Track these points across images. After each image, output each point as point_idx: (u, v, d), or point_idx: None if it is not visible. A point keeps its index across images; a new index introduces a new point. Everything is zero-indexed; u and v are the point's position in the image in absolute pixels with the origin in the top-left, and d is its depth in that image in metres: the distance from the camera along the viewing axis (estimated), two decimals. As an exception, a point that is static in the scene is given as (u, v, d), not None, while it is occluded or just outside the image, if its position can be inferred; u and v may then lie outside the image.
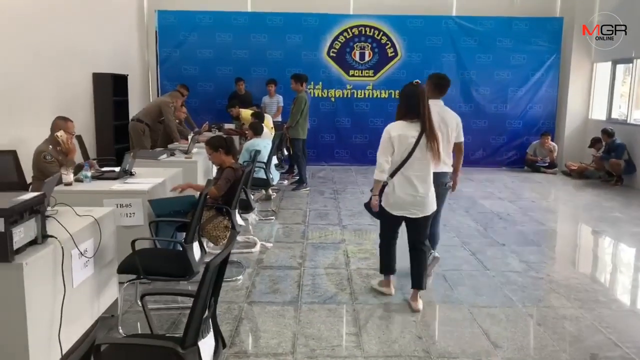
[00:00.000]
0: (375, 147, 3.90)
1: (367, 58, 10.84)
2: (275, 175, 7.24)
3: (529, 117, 11.04)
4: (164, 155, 6.15)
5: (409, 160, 3.73)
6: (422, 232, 3.91)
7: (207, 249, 3.99)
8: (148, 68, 10.92)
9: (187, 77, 10.41)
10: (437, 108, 4.27)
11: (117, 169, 4.72)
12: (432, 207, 3.86)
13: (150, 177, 4.54)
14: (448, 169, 4.37)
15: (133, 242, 3.31)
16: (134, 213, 4.02)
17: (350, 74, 10.87)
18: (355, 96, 10.87)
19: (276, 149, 7.56)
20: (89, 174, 4.33)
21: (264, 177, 6.67)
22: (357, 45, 10.80)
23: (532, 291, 4.33)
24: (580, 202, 8.17)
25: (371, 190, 3.94)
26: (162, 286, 3.70)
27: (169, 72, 10.69)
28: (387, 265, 4.14)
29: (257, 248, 5.28)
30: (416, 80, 3.83)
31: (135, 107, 9.33)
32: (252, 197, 5.72)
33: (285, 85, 9.96)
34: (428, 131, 3.71)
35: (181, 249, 3.40)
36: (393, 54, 10.80)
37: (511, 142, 11.14)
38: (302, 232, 5.99)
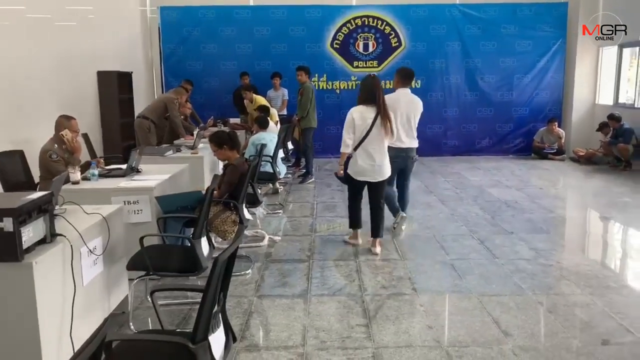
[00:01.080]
0: None
1: (371, 49, 10.78)
2: (281, 168, 7.24)
3: (535, 104, 10.96)
4: (170, 152, 6.16)
5: (368, 137, 4.78)
6: (380, 193, 5.02)
7: (215, 244, 4.00)
8: (152, 65, 10.93)
9: (192, 73, 10.39)
10: (407, 96, 5.41)
11: (123, 167, 4.73)
12: (387, 173, 4.95)
13: (157, 174, 4.55)
14: (415, 144, 5.51)
15: (141, 239, 3.31)
16: (141, 210, 4.02)
17: (355, 65, 10.82)
18: (360, 87, 10.80)
19: (282, 142, 7.55)
20: (96, 172, 4.33)
21: (271, 170, 6.66)
22: (360, 36, 10.74)
23: (542, 279, 4.31)
24: (588, 188, 8.11)
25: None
26: (171, 282, 3.72)
27: (174, 68, 10.68)
28: (355, 221, 5.20)
29: (266, 242, 5.29)
30: (372, 73, 5.09)
31: (140, 104, 9.35)
32: (259, 191, 5.72)
33: (290, 79, 9.93)
34: (382, 113, 4.75)
35: (189, 244, 3.41)
36: (397, 44, 10.74)
37: (518, 130, 11.07)
38: (310, 224, 5.99)
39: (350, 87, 10.82)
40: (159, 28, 10.65)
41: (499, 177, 8.85)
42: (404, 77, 5.48)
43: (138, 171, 4.66)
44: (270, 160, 6.65)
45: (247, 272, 4.47)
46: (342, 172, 4.97)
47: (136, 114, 8.32)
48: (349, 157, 4.92)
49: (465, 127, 11.07)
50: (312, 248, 5.14)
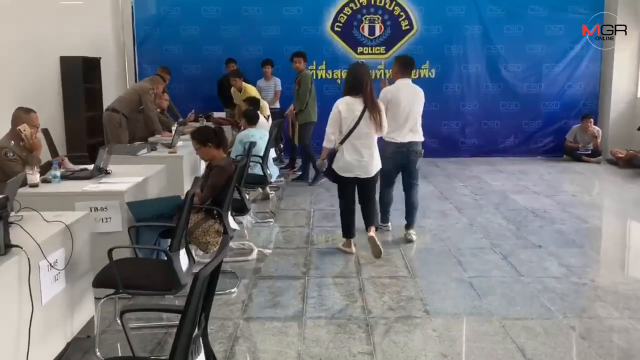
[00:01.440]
0: None
1: (377, 32, 10.82)
2: (273, 170, 7.25)
3: (567, 98, 11.01)
4: (144, 150, 6.17)
5: (355, 131, 5.07)
6: (370, 192, 5.36)
7: (195, 258, 4.00)
8: (124, 50, 10.92)
9: (169, 59, 10.41)
10: (409, 87, 5.66)
11: (90, 167, 4.73)
12: (375, 169, 5.25)
13: (129, 176, 4.55)
14: (420, 138, 5.68)
15: (110, 251, 3.32)
16: (110, 217, 4.03)
17: (359, 51, 10.85)
18: (364, 77, 10.82)
19: (274, 140, 7.56)
20: (58, 173, 4.34)
21: (261, 173, 6.67)
22: (365, 18, 10.78)
23: (574, 300, 4.32)
24: (628, 195, 8.13)
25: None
26: (144, 301, 3.71)
27: (148, 53, 10.71)
28: (349, 229, 5.42)
29: (254, 255, 5.29)
30: (361, 61, 5.49)
31: (109, 95, 9.34)
32: (247, 196, 5.73)
33: (283, 66, 9.96)
34: (370, 105, 5.03)
35: (166, 258, 3.41)
36: (408, 27, 10.78)
37: (547, 127, 11.12)
38: (306, 236, 6.00)
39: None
40: (131, 7, 10.68)
41: (525, 181, 8.87)
42: (403, 66, 5.71)
43: (107, 173, 4.66)
44: (260, 161, 6.66)
45: (233, 290, 4.46)
46: (323, 165, 5.34)
47: (105, 106, 8.32)
48: (334, 153, 5.23)
49: (486, 123, 11.11)
50: (308, 263, 5.14)
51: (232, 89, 9.18)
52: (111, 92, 9.72)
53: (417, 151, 5.66)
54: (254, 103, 7.94)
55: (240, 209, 5.26)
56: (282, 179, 8.72)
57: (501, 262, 5.15)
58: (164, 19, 10.68)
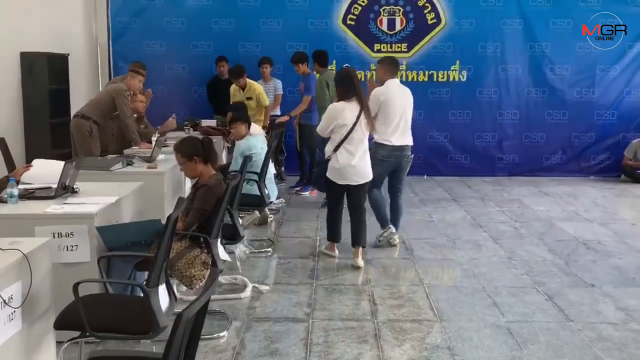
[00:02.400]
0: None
1: (398, 27, 10.89)
2: (272, 190, 7.25)
3: (626, 107, 11.03)
4: (119, 165, 6.18)
5: (349, 136, 5.81)
6: (361, 197, 6.12)
7: (178, 295, 4.00)
8: (96, 45, 11.02)
9: (151, 56, 10.48)
10: (400, 87, 6.51)
11: (54, 185, 4.74)
12: (369, 176, 6.02)
13: (100, 195, 4.56)
14: (411, 141, 6.48)
15: (76, 286, 3.31)
16: (76, 245, 4.03)
17: (376, 48, 10.91)
18: (382, 79, 10.87)
19: (273, 153, 7.57)
20: (16, 192, 4.35)
21: (257, 193, 6.68)
22: (384, 10, 10.87)
23: (634, 350, 4.28)
24: (700, 225, 8.08)
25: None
26: (115, 347, 3.71)
27: (126, 49, 10.78)
28: (335, 233, 6.25)
29: (248, 292, 5.27)
30: (346, 65, 6.71)
31: (79, 99, 9.40)
32: (241, 221, 5.72)
33: (284, 66, 10.03)
34: (365, 109, 5.84)
35: (142, 294, 3.41)
36: (434, 20, 10.84)
37: (602, 142, 11.11)
38: (311, 269, 5.99)
39: (369, 79, 10.88)
40: (107, -5, 10.78)
41: (575, 206, 8.84)
42: (391, 66, 6.53)
43: (74, 191, 4.66)
44: (257, 179, 6.67)
45: (222, 334, 4.45)
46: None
47: (73, 111, 8.37)
48: (327, 161, 6.01)
49: (528, 136, 11.11)
50: (313, 302, 5.13)
51: (232, 88, 9.27)
52: (81, 94, 9.78)
53: (408, 156, 6.47)
54: (239, 109, 7.89)
55: (232, 237, 5.25)
56: (282, 200, 8.73)
57: (546, 304, 5.11)
58: (145, 9, 10.77)
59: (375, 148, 6.29)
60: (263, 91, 9.40)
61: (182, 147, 4.76)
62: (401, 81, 10.51)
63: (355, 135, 5.84)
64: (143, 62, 9.62)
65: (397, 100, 6.31)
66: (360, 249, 6.08)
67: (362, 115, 5.84)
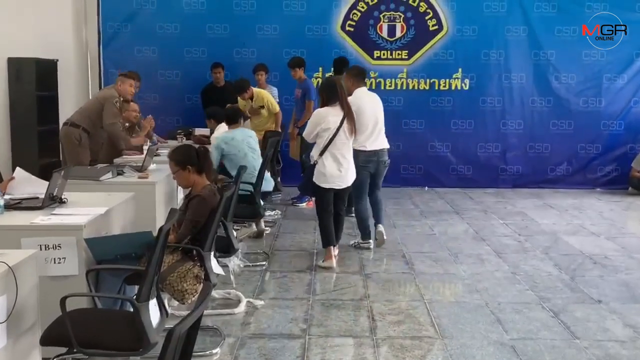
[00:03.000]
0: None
1: (399, 34, 10.91)
2: (267, 186, 7.29)
3: (633, 117, 11.06)
4: (109, 174, 6.17)
5: (334, 140, 6.26)
6: (344, 201, 6.71)
7: (169, 310, 3.98)
8: (86, 50, 11.02)
9: (142, 62, 10.50)
10: (370, 94, 7.01)
11: (41, 195, 4.74)
12: (352, 178, 6.51)
13: (89, 206, 4.55)
14: (387, 145, 6.97)
15: (63, 300, 3.30)
16: (64, 258, 4.01)
17: (376, 56, 10.94)
18: (382, 87, 10.89)
19: (269, 161, 7.57)
20: (1, 202, 4.34)
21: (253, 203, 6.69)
22: (384, 16, 10.89)
23: (644, 370, 4.27)
24: None
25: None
26: (104, 364, 3.68)
27: (116, 55, 10.78)
28: (329, 239, 6.50)
29: (242, 308, 5.26)
30: (329, 74, 7.54)
31: (68, 105, 9.41)
32: (235, 233, 5.71)
33: (281, 73, 10.04)
34: (348, 114, 6.29)
35: (132, 309, 3.39)
36: (436, 27, 10.87)
37: (608, 153, 11.13)
38: (308, 283, 5.97)
39: (369, 87, 10.75)
40: (97, -1, 10.81)
41: (581, 219, 8.84)
42: (357, 75, 6.98)
43: (62, 202, 4.66)
44: (252, 190, 6.67)
45: (215, 351, 4.43)
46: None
47: (62, 118, 8.37)
48: (312, 166, 6.43)
49: (532, 147, 11.13)
50: (310, 318, 5.11)
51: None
52: (70, 101, 9.79)
53: (385, 161, 6.95)
54: (235, 112, 7.92)
55: (226, 249, 5.25)
56: (277, 212, 8.73)
57: (551, 321, 5.10)
58: (137, 13, 10.77)
59: (355, 155, 6.60)
60: (271, 97, 9.46)
61: (176, 155, 4.77)
62: (402, 89, 10.88)
63: (338, 140, 6.27)
64: (135, 69, 9.61)
65: (368, 108, 6.73)
66: (337, 248, 6.61)
67: (345, 121, 6.27)
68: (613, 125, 11.05)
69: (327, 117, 6.27)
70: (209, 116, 8.13)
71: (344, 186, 6.46)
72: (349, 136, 6.36)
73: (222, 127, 7.65)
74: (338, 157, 6.32)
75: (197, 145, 5.66)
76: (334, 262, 6.43)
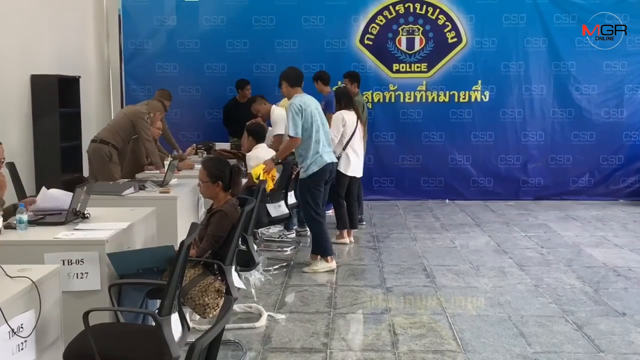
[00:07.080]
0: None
1: (417, 46, 10.93)
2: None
3: (656, 127, 10.95)
4: (131, 189, 6.20)
5: (353, 137, 7.68)
6: (357, 188, 8.20)
7: (191, 324, 3.99)
8: (108, 67, 11.14)
9: (163, 79, 10.57)
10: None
11: (64, 210, 4.77)
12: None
13: (111, 221, 4.58)
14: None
15: (86, 315, 3.31)
16: (87, 273, 4.04)
17: (395, 69, 10.96)
18: (402, 100, 10.93)
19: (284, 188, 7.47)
20: (25, 217, 4.37)
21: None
22: (403, 29, 10.91)
23: (670, 383, 4.22)
24: None
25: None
26: (127, 378, 3.69)
27: (138, 71, 10.91)
28: (345, 222, 7.80)
29: (263, 321, 5.26)
30: (340, 82, 9.20)
31: (90, 122, 9.48)
32: (255, 247, 5.72)
33: (303, 88, 10.02)
34: (358, 115, 7.85)
35: (154, 323, 3.40)
36: (455, 39, 10.87)
37: (631, 164, 11.04)
38: (328, 297, 5.97)
39: (388, 100, 10.94)
40: (119, 16, 10.91)
41: (604, 231, 8.78)
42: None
43: (84, 217, 4.69)
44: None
45: (236, 365, 4.44)
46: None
47: (84, 135, 8.42)
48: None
49: (554, 158, 11.07)
50: (331, 332, 5.10)
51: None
52: (92, 118, 9.87)
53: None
54: (257, 127, 7.91)
55: (247, 263, 5.25)
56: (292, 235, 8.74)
57: (575, 334, 5.05)
58: (158, 31, 10.88)
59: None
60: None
61: (211, 166, 4.81)
62: (421, 102, 10.92)
63: (357, 136, 7.76)
64: (156, 86, 9.65)
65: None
66: (352, 231, 7.96)
67: (358, 123, 7.80)
68: (635, 135, 10.97)
69: (346, 117, 7.64)
70: (250, 133, 7.72)
71: (359, 175, 8.03)
72: (362, 136, 7.88)
73: (261, 148, 7.54)
74: (357, 151, 7.80)
75: (232, 164, 5.63)
76: (347, 239, 7.75)
